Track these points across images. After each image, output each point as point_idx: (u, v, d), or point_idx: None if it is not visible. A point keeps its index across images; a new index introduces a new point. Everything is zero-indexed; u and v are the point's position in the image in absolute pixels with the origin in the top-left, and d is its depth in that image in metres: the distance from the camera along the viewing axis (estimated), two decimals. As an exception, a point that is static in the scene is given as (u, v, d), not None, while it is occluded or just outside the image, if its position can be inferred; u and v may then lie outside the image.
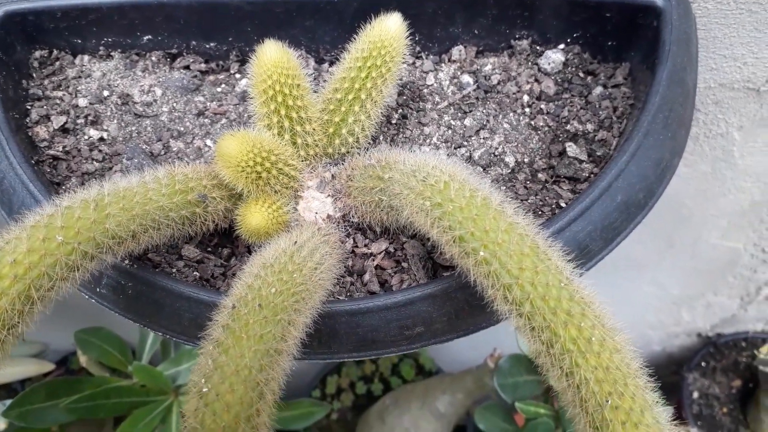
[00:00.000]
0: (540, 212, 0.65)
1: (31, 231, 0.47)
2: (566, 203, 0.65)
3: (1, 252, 0.46)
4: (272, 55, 0.58)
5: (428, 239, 0.61)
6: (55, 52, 0.77)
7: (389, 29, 0.61)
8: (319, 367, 1.67)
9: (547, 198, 0.65)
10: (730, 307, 1.55)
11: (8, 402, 1.03)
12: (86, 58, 0.77)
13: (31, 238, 0.47)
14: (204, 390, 0.44)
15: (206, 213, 0.59)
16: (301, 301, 0.50)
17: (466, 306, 0.57)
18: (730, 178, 1.08)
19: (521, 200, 0.65)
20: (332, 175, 0.65)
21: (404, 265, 0.61)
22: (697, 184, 1.09)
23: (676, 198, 1.14)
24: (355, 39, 0.64)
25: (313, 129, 0.63)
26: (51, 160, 0.68)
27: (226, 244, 0.65)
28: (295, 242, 0.56)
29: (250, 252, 0.64)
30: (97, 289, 0.60)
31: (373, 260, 0.62)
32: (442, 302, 0.56)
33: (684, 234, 1.26)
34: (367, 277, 0.60)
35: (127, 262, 0.59)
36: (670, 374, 1.77)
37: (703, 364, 1.65)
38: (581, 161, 0.67)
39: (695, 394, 1.64)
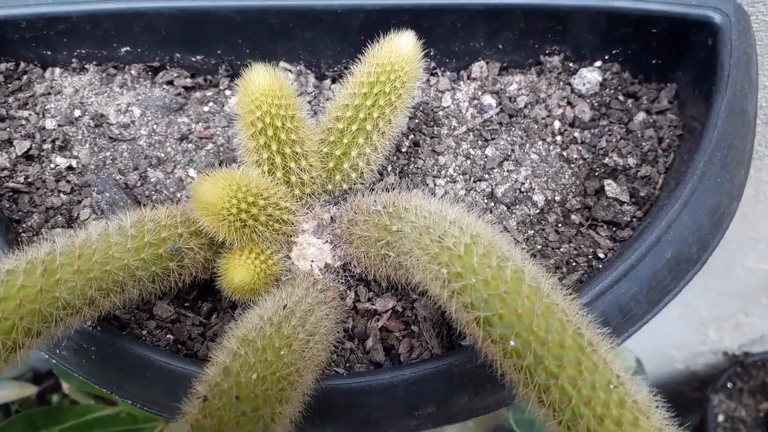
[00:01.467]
0: (575, 263, 0.55)
1: (-41, 305, 0.39)
2: (605, 253, 0.55)
3: None
4: (261, 83, 0.49)
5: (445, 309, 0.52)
6: (23, 64, 0.68)
7: (400, 50, 0.52)
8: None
9: (582, 246, 0.56)
10: (761, 327, 1.46)
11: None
12: (57, 71, 0.68)
13: (-41, 315, 0.38)
14: None
15: (181, 268, 0.50)
16: (288, 388, 0.42)
17: (488, 383, 0.48)
18: (774, 201, 0.98)
19: (552, 248, 0.56)
20: (332, 217, 0.56)
21: (414, 328, 0.52)
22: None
23: (712, 221, 1.04)
24: (360, 58, 0.54)
25: (310, 165, 0.54)
26: (11, 194, 0.59)
27: (207, 297, 0.56)
28: (285, 305, 0.47)
29: (234, 307, 0.55)
30: (57, 351, 0.52)
31: (378, 321, 0.53)
32: (459, 379, 0.48)
33: (718, 256, 1.16)
34: (370, 343, 0.51)
35: (89, 323, 0.50)
36: (692, 391, 1.69)
37: (729, 385, 1.56)
38: (622, 203, 0.58)
39: (720, 417, 1.55)
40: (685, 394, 1.70)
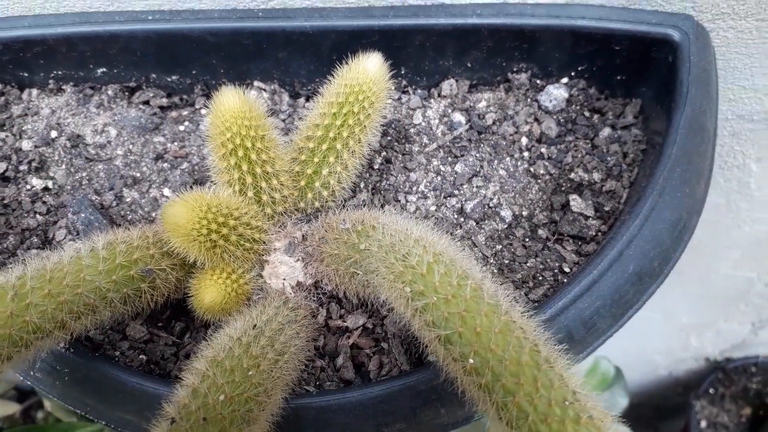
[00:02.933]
0: (541, 277, 0.57)
1: (-70, 331, 0.39)
2: (570, 267, 0.57)
3: None
4: (230, 105, 0.50)
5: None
6: (0, 86, 0.69)
7: (368, 71, 0.53)
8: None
9: (548, 260, 0.57)
10: (741, 332, 1.48)
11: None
12: (34, 92, 0.69)
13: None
14: None
15: (153, 288, 0.51)
16: (255, 408, 0.42)
17: (455, 398, 0.49)
18: (746, 209, 1.01)
19: (519, 263, 0.57)
20: (303, 235, 0.57)
21: (384, 345, 0.53)
22: (710, 215, 1.02)
23: (686, 230, 1.06)
24: (331, 78, 0.56)
25: (281, 184, 0.55)
26: (-14, 216, 0.60)
27: (180, 317, 0.57)
28: (255, 325, 0.48)
29: (207, 326, 0.56)
30: (31, 372, 0.52)
31: (349, 338, 0.54)
32: (427, 395, 0.48)
33: (695, 264, 1.18)
34: (340, 360, 0.52)
35: (62, 344, 0.51)
36: (675, 396, 1.70)
37: (711, 390, 1.58)
38: (587, 217, 0.59)
39: (703, 423, 1.57)
40: (670, 400, 1.71)
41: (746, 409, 1.57)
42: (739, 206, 1.00)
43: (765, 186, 0.95)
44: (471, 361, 0.39)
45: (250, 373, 0.44)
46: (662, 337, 1.50)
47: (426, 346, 0.51)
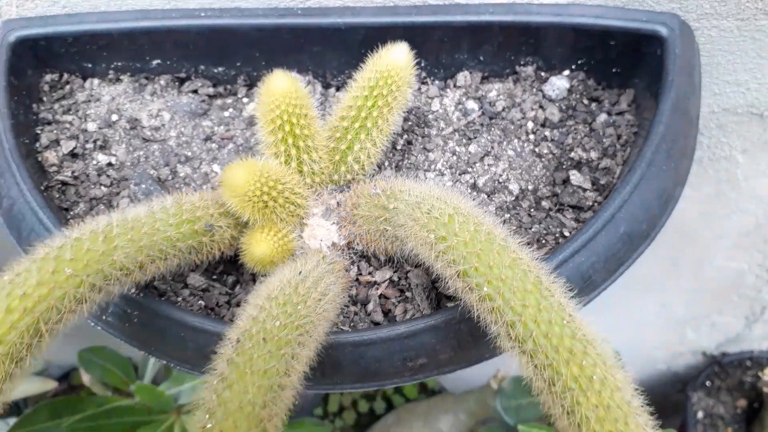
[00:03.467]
0: (544, 241, 0.65)
1: (40, 263, 0.48)
2: (570, 232, 0.65)
3: (11, 285, 0.46)
4: (281, 86, 0.59)
5: (433, 269, 0.61)
6: (66, 75, 0.78)
7: (396, 59, 0.62)
8: (323, 383, 1.67)
9: (551, 226, 0.66)
10: (735, 326, 1.54)
11: (11, 420, 1.04)
12: (96, 81, 0.78)
13: (40, 270, 0.47)
14: (208, 426, 0.44)
15: (212, 242, 0.59)
16: (305, 334, 0.51)
17: (470, 337, 0.57)
18: (734, 200, 1.08)
19: (525, 228, 0.66)
20: (338, 203, 0.65)
21: (408, 294, 0.62)
22: (701, 206, 1.09)
23: (680, 220, 1.14)
24: (362, 67, 0.64)
25: (320, 157, 0.64)
26: (60, 186, 0.69)
27: (231, 271, 0.65)
28: (300, 272, 0.56)
29: (254, 280, 0.64)
30: (103, 317, 0.61)
31: (377, 289, 0.62)
32: (446, 334, 0.57)
33: (689, 255, 1.26)
34: (371, 306, 0.60)
35: (133, 290, 0.59)
36: (675, 392, 1.76)
37: (707, 383, 1.64)
38: (585, 189, 0.67)
39: (700, 414, 1.63)
40: (670, 397, 1.77)
41: (741, 401, 1.63)
42: (728, 196, 1.07)
43: (751, 177, 1.02)
44: (485, 289, 0.47)
45: (299, 307, 0.52)
46: (659, 330, 1.57)
47: (445, 293, 0.59)
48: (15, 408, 1.32)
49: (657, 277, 1.32)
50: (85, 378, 1.14)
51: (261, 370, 0.46)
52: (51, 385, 1.23)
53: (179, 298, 0.61)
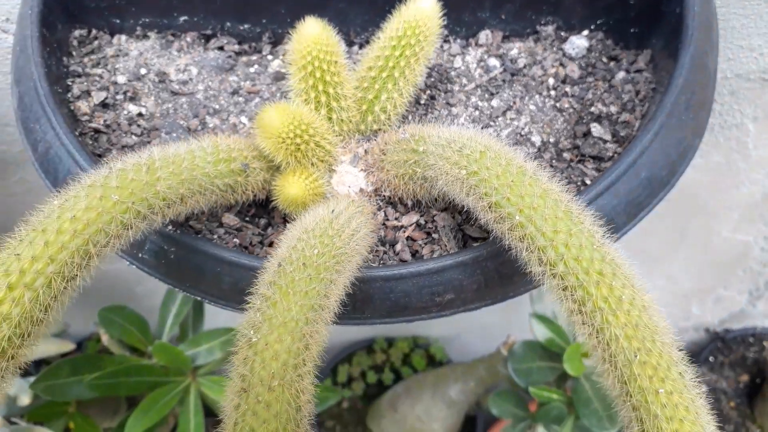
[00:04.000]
0: (567, 190, 0.67)
1: (88, 190, 0.50)
2: (591, 180, 0.67)
3: (61, 209, 0.48)
4: (313, 32, 0.61)
5: (459, 212, 0.63)
6: (94, 31, 0.79)
7: (424, 9, 0.64)
8: (331, 356, 1.69)
9: (572, 176, 0.68)
10: (739, 301, 1.57)
11: (31, 379, 1.06)
12: (123, 37, 0.80)
13: (89, 196, 0.49)
14: (253, 340, 0.46)
15: (247, 182, 0.61)
16: (341, 263, 0.53)
17: (496, 275, 0.59)
18: (744, 169, 1.10)
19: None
20: (365, 151, 0.67)
21: (435, 236, 0.64)
22: (710, 175, 1.11)
23: (690, 189, 1.16)
24: (387, 20, 0.66)
25: (348, 105, 0.66)
26: (93, 133, 0.71)
27: (262, 215, 0.67)
28: (333, 210, 0.58)
29: (285, 223, 0.66)
30: (139, 255, 0.63)
31: (405, 232, 0.64)
32: (472, 270, 0.59)
33: (697, 227, 1.28)
34: (399, 247, 0.62)
35: (170, 227, 0.61)
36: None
37: (711, 359, 1.67)
38: (605, 141, 0.69)
39: (703, 389, 1.65)
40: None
41: (744, 376, 1.66)
42: (738, 166, 1.09)
43: (761, 146, 1.04)
44: (517, 218, 0.49)
45: (335, 239, 0.54)
46: (665, 305, 1.59)
47: (472, 237, 0.61)
48: (34, 368, 1.34)
49: (666, 248, 1.34)
50: (104, 337, 1.15)
51: (302, 290, 0.48)
52: (69, 346, 1.24)
53: (215, 236, 0.63)
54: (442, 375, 1.42)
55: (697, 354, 1.66)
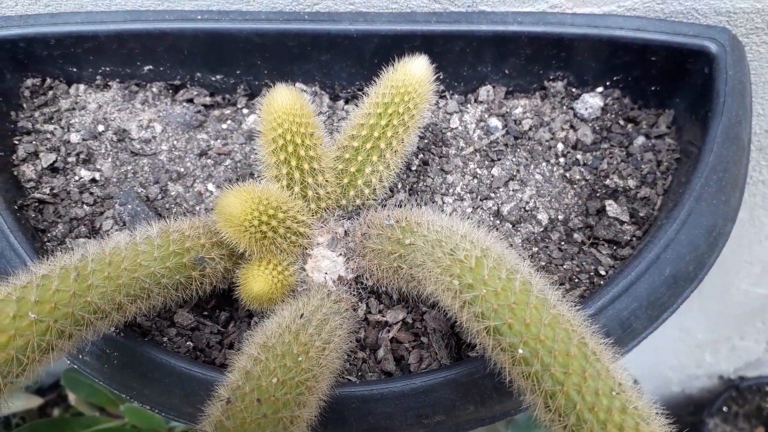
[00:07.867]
0: (577, 280, 0.58)
1: (0, 306, 0.41)
2: (606, 271, 0.58)
3: (-38, 333, 0.40)
4: (284, 102, 0.52)
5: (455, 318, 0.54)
6: (49, 80, 0.71)
7: (414, 73, 0.55)
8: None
9: (584, 263, 0.59)
10: (756, 351, 1.48)
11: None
12: (82, 87, 0.71)
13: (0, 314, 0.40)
14: None
15: (203, 276, 0.52)
16: (306, 392, 0.44)
17: (494, 393, 0.50)
18: (767, 224, 1.01)
19: (556, 265, 0.59)
20: (345, 231, 0.58)
21: (424, 339, 0.55)
22: (733, 230, 1.02)
23: (708, 243, 1.07)
24: (375, 81, 0.57)
25: (326, 180, 0.57)
26: (37, 204, 0.62)
27: (224, 306, 0.58)
28: (302, 315, 0.49)
29: (251, 316, 0.57)
30: (80, 356, 0.54)
31: (389, 332, 0.55)
32: (467, 389, 0.50)
33: (715, 279, 1.19)
34: (381, 353, 0.53)
35: (113, 329, 0.52)
36: (687, 415, 1.70)
37: (725, 409, 1.58)
38: (622, 222, 0.60)
39: None
40: (682, 419, 1.70)
41: (759, 428, 1.57)
42: (762, 221, 1.00)
43: (788, 202, 0.95)
44: (520, 351, 0.40)
45: (300, 358, 0.45)
46: (676, 353, 1.50)
47: (469, 341, 0.52)
48: (4, 422, 1.25)
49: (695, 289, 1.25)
50: (72, 398, 1.07)
51: (254, 441, 0.39)
52: (36, 402, 1.16)
53: (165, 338, 0.54)
54: None
55: (710, 403, 1.57)
